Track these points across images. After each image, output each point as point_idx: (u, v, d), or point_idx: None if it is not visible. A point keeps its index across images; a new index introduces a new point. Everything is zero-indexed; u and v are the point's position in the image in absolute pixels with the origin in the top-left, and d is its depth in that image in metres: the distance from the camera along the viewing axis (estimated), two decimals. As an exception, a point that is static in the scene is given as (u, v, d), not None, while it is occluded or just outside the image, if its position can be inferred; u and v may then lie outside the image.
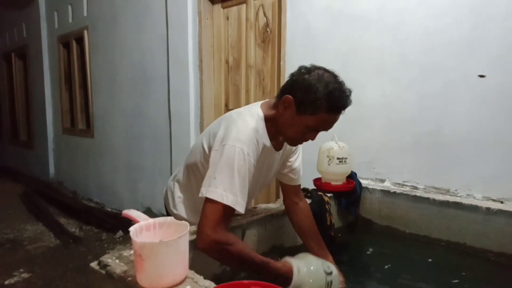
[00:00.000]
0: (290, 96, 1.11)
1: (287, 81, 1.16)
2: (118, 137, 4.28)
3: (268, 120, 1.19)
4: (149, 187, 3.89)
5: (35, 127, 6.05)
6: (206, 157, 1.21)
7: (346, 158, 1.86)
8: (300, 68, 1.14)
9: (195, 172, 1.32)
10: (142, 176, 3.97)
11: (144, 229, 0.94)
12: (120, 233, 3.52)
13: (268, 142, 1.21)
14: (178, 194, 1.42)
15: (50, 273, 2.88)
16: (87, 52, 4.60)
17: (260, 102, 1.27)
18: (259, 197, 2.61)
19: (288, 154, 1.41)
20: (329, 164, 1.85)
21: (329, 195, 1.89)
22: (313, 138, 1.19)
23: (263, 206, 1.67)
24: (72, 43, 4.92)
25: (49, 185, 5.32)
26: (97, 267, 1.01)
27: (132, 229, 0.89)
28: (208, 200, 1.03)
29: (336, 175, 1.89)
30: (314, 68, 1.13)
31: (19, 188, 5.36)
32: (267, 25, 2.68)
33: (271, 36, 2.67)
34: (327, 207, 1.84)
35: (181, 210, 1.41)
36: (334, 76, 1.12)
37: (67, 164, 5.40)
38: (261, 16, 2.71)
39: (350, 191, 1.95)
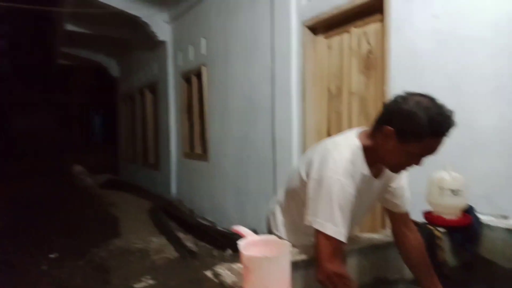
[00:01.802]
0: (390, 127, 1.12)
1: (383, 111, 1.18)
2: (228, 161, 4.67)
3: (366, 149, 1.22)
4: (255, 209, 4.12)
5: (161, 151, 6.97)
6: (303, 183, 1.29)
7: (460, 190, 1.72)
8: (395, 97, 1.16)
9: (294, 197, 1.40)
10: (249, 199, 4.23)
11: (251, 244, 1.06)
12: (229, 251, 3.79)
13: (366, 171, 1.23)
14: (279, 216, 1.52)
15: (171, 282, 3.26)
16: (204, 85, 5.20)
17: (355, 131, 1.30)
18: (364, 224, 2.56)
19: (389, 180, 1.40)
20: (440, 196, 1.74)
21: (440, 229, 1.76)
22: (418, 163, 1.17)
23: (366, 235, 1.66)
24: (192, 78, 5.63)
25: (171, 203, 6.02)
26: (211, 276, 1.17)
27: (240, 243, 1.03)
28: (317, 231, 1.13)
29: (449, 208, 1.75)
30: (409, 96, 1.13)
31: (148, 204, 6.19)
32: (370, 51, 2.70)
33: (374, 63, 2.67)
34: (438, 242, 1.72)
35: (282, 232, 1.51)
36: (431, 100, 1.11)
37: (186, 184, 6.06)
38: (363, 44, 2.75)
39: (466, 227, 1.78)
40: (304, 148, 3.23)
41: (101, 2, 5.59)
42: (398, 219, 1.46)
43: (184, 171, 6.15)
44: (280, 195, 1.55)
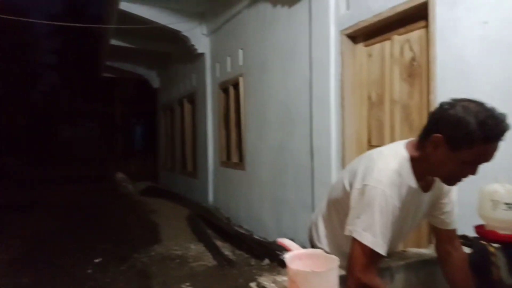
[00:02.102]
0: (439, 135, 1.08)
1: (430, 119, 1.14)
2: (265, 170, 4.68)
3: (414, 160, 1.18)
4: (292, 219, 4.09)
5: (199, 160, 7.12)
6: (346, 194, 1.26)
7: (515, 204, 1.62)
8: (442, 104, 1.12)
9: (337, 208, 1.37)
10: (286, 209, 4.21)
11: (296, 257, 1.06)
12: (267, 261, 3.78)
13: (414, 184, 1.19)
14: (321, 228, 1.50)
15: (209, 289, 3.30)
16: (241, 95, 5.28)
17: (403, 142, 1.26)
18: (408, 240, 2.47)
19: (439, 195, 1.34)
20: (494, 210, 1.64)
21: (495, 245, 1.66)
22: (473, 173, 1.12)
23: (413, 250, 1.60)
24: (229, 88, 5.73)
25: (208, 210, 6.12)
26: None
27: (287, 256, 1.02)
28: (353, 240, 1.11)
29: (504, 222, 1.64)
30: (456, 102, 1.09)
31: (186, 211, 6.32)
32: (413, 59, 2.63)
33: (418, 70, 2.60)
34: (492, 259, 1.62)
35: (324, 244, 1.48)
36: (480, 105, 1.06)
37: (223, 192, 6.14)
38: (406, 51, 2.68)
39: (525, 243, 1.67)
40: (343, 157, 3.18)
41: (145, 18, 5.86)
42: (444, 236, 1.39)
43: (221, 180, 6.24)
44: (323, 206, 1.53)
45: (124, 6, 5.63)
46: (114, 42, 7.46)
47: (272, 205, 4.54)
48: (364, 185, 1.14)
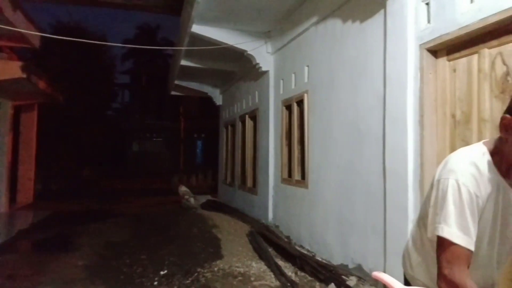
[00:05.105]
0: (508, 116, 0.98)
1: (509, 102, 1.03)
2: (330, 189, 4.52)
3: (495, 154, 1.07)
4: (360, 242, 3.87)
5: (259, 176, 7.13)
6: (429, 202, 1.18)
7: None
8: None
9: (425, 225, 1.23)
10: (353, 231, 4.00)
11: (399, 295, 0.94)
12: (332, 286, 3.59)
13: (497, 177, 1.06)
14: (413, 254, 1.35)
15: (273, 311, 3.19)
16: (305, 112, 5.20)
17: (483, 140, 1.17)
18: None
19: None
20: None
21: None
22: None
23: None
24: (293, 105, 5.69)
25: (268, 228, 6.05)
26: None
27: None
28: (437, 237, 1.05)
29: None
30: None
31: (246, 227, 6.31)
32: (507, 74, 2.37)
33: (513, 86, 2.34)
34: None
35: (418, 273, 1.33)
36: None
37: (283, 210, 6.04)
38: (498, 65, 2.43)
39: None
40: (421, 179, 2.94)
41: (213, 39, 6.11)
42: None
43: (281, 197, 6.16)
44: (413, 229, 1.39)
45: (195, 28, 5.92)
46: (183, 62, 7.86)
47: (337, 226, 4.34)
48: (438, 180, 1.08)
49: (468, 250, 1.01)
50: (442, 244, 1.03)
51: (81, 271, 4.34)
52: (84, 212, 8.53)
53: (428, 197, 1.20)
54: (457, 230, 1.00)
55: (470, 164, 1.06)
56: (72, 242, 5.65)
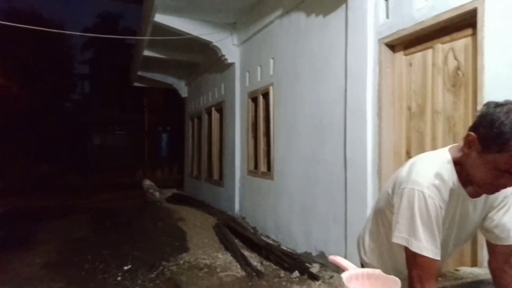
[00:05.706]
0: (472, 133, 1.04)
1: (475, 118, 1.09)
2: (294, 180, 4.60)
3: (457, 163, 1.13)
4: (323, 231, 3.98)
5: (225, 168, 7.12)
6: (391, 201, 1.22)
7: None
8: (488, 103, 1.05)
9: (383, 219, 1.32)
10: (316, 220, 4.11)
11: (353, 278, 0.99)
12: (296, 273, 3.68)
13: (457, 186, 1.13)
14: (368, 241, 1.43)
15: (239, 301, 3.23)
16: (271, 104, 5.24)
17: (449, 146, 1.22)
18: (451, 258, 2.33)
19: (491, 205, 1.24)
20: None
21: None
22: (509, 184, 1.04)
23: (467, 270, 1.50)
24: (259, 98, 5.72)
25: (234, 220, 6.08)
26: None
27: (344, 276, 0.96)
28: (405, 249, 1.09)
29: None
30: (506, 102, 1.01)
31: (212, 220, 6.31)
32: (458, 68, 2.51)
33: (463, 80, 2.48)
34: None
35: (371, 258, 1.41)
36: None
37: (250, 202, 6.09)
38: (450, 60, 2.57)
39: None
40: (379, 169, 3.07)
41: (177, 29, 5.98)
42: (499, 253, 1.28)
43: (247, 189, 6.20)
44: (369, 218, 1.47)
45: (158, 18, 5.76)
46: (146, 53, 7.64)
47: (301, 216, 4.44)
48: (402, 188, 1.12)
49: (436, 260, 1.08)
50: (413, 257, 1.08)
51: (40, 269, 4.17)
52: (42, 208, 8.14)
53: (388, 194, 1.25)
54: (426, 243, 1.06)
55: (435, 176, 1.10)
56: (29, 239, 5.40)
